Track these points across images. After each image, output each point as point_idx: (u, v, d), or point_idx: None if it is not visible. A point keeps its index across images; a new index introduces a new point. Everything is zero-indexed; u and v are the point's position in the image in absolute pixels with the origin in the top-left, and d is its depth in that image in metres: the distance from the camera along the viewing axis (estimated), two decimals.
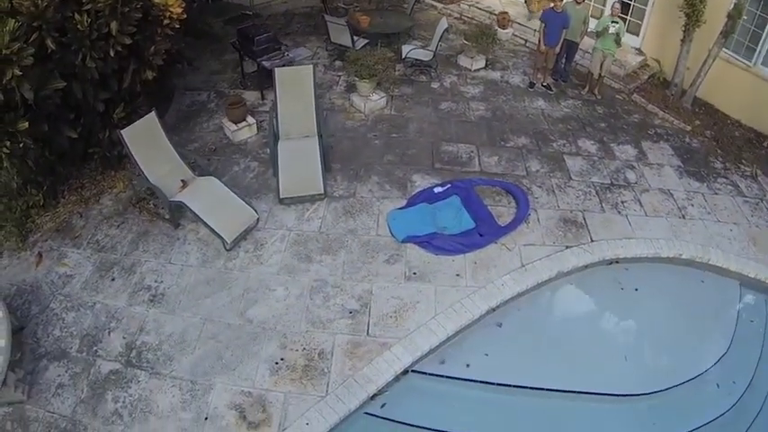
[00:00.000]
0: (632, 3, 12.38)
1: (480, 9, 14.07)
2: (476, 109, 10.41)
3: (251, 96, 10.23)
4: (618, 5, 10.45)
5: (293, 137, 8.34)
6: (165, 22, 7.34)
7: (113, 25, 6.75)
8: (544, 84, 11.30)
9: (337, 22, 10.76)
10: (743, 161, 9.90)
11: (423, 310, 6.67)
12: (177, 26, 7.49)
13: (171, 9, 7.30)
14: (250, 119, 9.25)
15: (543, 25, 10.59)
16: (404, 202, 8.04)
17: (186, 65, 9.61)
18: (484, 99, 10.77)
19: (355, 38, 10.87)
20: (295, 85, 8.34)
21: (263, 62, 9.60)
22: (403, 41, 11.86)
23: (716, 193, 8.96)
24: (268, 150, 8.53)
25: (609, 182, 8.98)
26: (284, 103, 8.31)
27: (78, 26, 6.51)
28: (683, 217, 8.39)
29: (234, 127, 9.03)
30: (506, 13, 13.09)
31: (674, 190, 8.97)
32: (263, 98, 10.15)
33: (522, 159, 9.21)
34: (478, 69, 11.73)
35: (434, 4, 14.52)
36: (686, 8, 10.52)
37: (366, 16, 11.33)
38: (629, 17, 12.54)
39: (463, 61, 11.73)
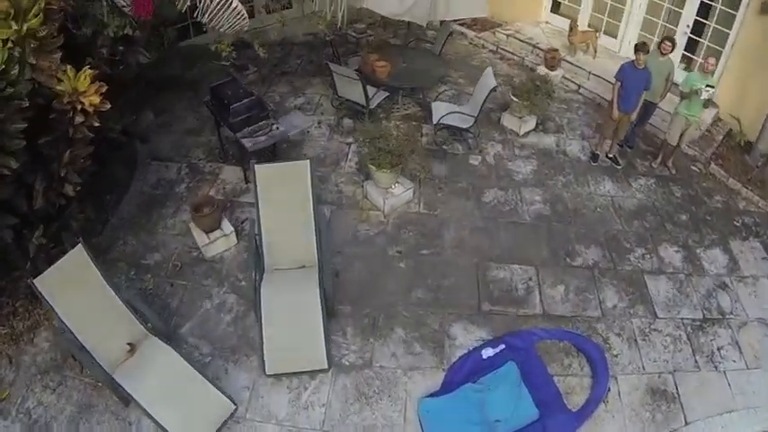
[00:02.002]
0: (705, 41, 9.87)
1: (521, 41, 11.43)
2: (530, 201, 7.93)
3: (231, 175, 7.72)
4: (713, 61, 7.90)
5: (284, 267, 5.97)
6: (78, 120, 4.71)
7: None
8: (610, 155, 8.82)
9: (346, 74, 8.11)
10: None
11: None
12: (97, 124, 4.89)
13: (85, 99, 4.67)
14: (226, 226, 6.74)
15: (618, 85, 8.02)
16: (440, 377, 5.69)
17: (140, 143, 7.03)
18: (539, 182, 8.28)
19: (371, 89, 8.26)
20: (286, 191, 5.95)
21: (243, 140, 7.03)
22: (431, 91, 9.22)
23: None
24: (252, 276, 6.05)
25: (701, 316, 6.77)
26: (270, 217, 5.90)
27: None
28: None
29: (205, 239, 6.57)
30: (556, 51, 10.49)
31: None
32: (246, 179, 7.60)
33: (594, 287, 6.87)
34: (527, 133, 9.17)
35: (464, 32, 11.79)
36: None
37: (384, 63, 8.59)
38: (699, 59, 9.97)
39: (508, 121, 9.17)
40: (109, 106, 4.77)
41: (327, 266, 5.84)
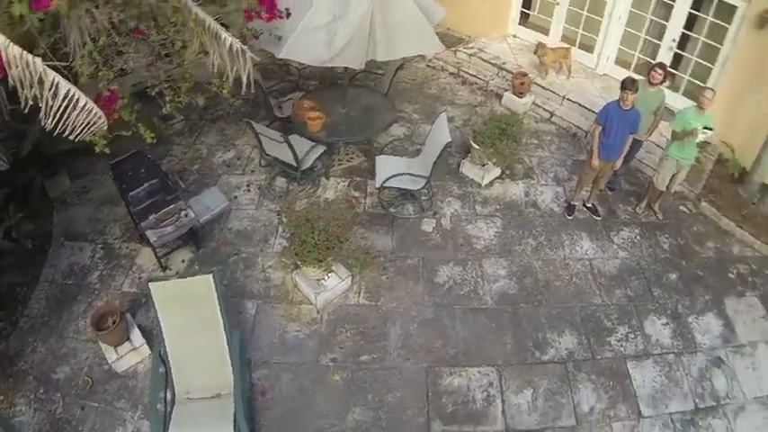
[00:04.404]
0: (692, 57, 9.24)
1: (485, 61, 10.64)
2: (493, 277, 7.16)
3: (148, 260, 6.95)
4: (711, 94, 7.10)
5: (197, 396, 5.24)
6: None
7: None
8: (588, 205, 8.08)
9: (270, 135, 7.21)
10: None
11: None
12: None
13: None
14: (136, 337, 5.99)
15: (599, 129, 7.25)
16: None
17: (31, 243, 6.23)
18: (504, 250, 7.51)
19: (305, 144, 7.45)
20: (190, 311, 5.24)
21: (148, 233, 6.31)
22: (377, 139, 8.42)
23: None
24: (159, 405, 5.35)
25: (692, 406, 6.12)
26: (176, 340, 5.21)
27: None
28: None
29: (113, 354, 5.87)
30: (526, 75, 9.66)
31: None
32: (162, 267, 6.81)
33: (567, 387, 6.15)
34: (492, 182, 8.38)
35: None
36: None
37: (317, 114, 7.58)
38: (686, 76, 9.42)
39: (469, 170, 8.37)
40: None
41: (240, 396, 5.08)
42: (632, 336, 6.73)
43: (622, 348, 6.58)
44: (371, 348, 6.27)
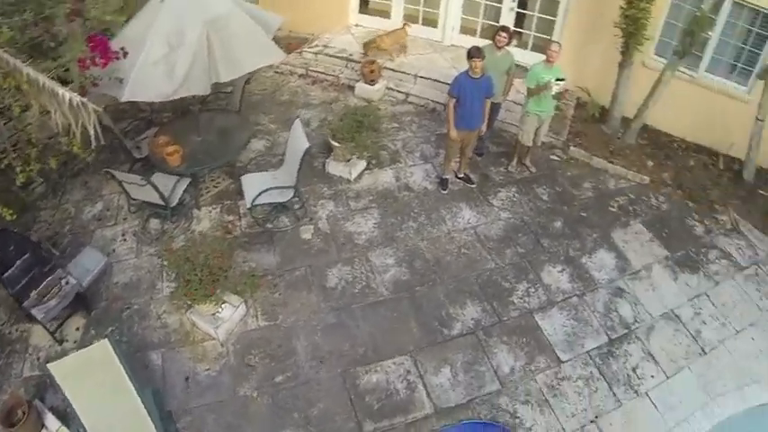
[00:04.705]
0: (534, 13, 9.83)
1: (332, 56, 10.63)
2: (383, 268, 7.10)
3: (42, 338, 6.33)
4: (557, 47, 7.44)
5: None
6: None
7: None
8: (460, 176, 8.20)
9: (131, 180, 6.86)
10: (716, 207, 8.26)
11: None
12: None
13: None
14: (51, 423, 5.54)
15: (453, 101, 7.33)
16: None
17: None
18: (387, 238, 7.48)
19: (169, 180, 7.20)
20: (96, 381, 5.06)
21: (33, 311, 5.95)
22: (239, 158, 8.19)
23: (717, 283, 7.18)
24: None
25: (606, 339, 6.47)
26: (92, 414, 4.97)
27: None
28: (704, 351, 6.40)
29: None
30: (374, 62, 9.73)
31: (679, 307, 6.85)
32: (57, 341, 6.31)
33: (483, 355, 6.22)
34: (360, 175, 8.35)
35: None
36: (625, 23, 8.18)
37: (174, 148, 7.19)
38: (532, 32, 10.02)
39: (335, 168, 8.24)
40: None
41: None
42: (533, 290, 6.92)
43: (526, 304, 6.75)
44: (283, 367, 6.06)
